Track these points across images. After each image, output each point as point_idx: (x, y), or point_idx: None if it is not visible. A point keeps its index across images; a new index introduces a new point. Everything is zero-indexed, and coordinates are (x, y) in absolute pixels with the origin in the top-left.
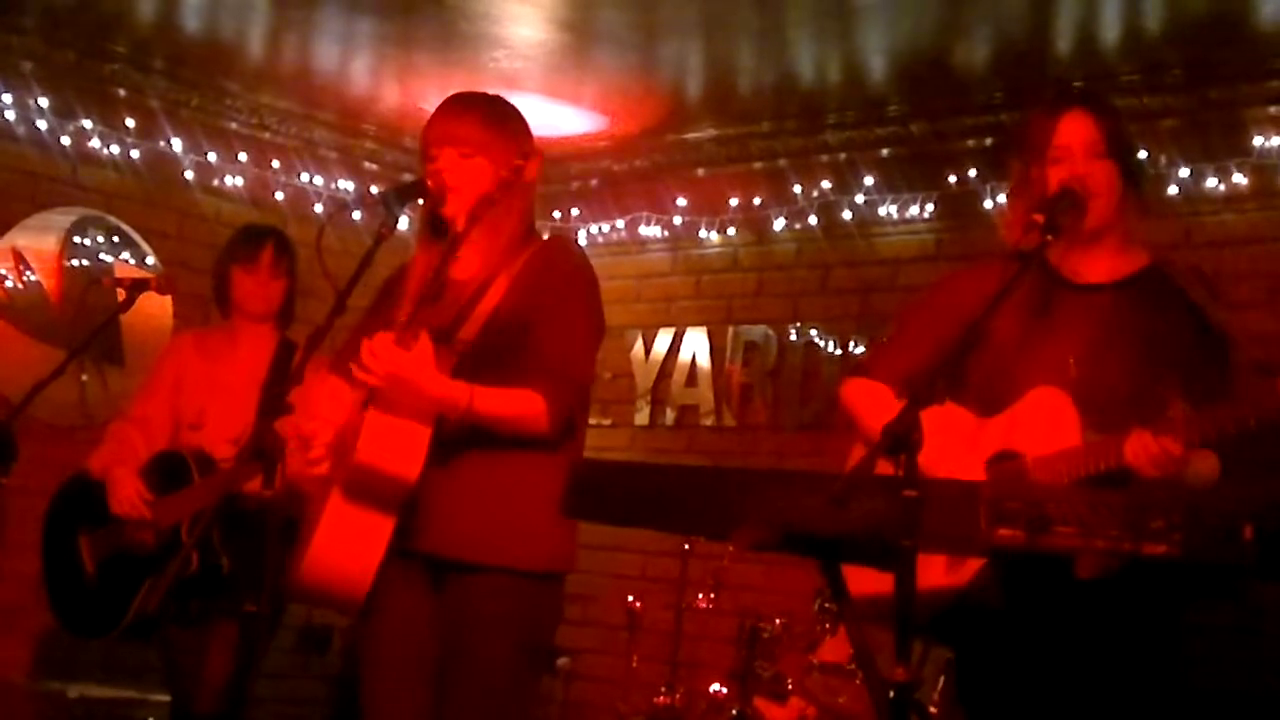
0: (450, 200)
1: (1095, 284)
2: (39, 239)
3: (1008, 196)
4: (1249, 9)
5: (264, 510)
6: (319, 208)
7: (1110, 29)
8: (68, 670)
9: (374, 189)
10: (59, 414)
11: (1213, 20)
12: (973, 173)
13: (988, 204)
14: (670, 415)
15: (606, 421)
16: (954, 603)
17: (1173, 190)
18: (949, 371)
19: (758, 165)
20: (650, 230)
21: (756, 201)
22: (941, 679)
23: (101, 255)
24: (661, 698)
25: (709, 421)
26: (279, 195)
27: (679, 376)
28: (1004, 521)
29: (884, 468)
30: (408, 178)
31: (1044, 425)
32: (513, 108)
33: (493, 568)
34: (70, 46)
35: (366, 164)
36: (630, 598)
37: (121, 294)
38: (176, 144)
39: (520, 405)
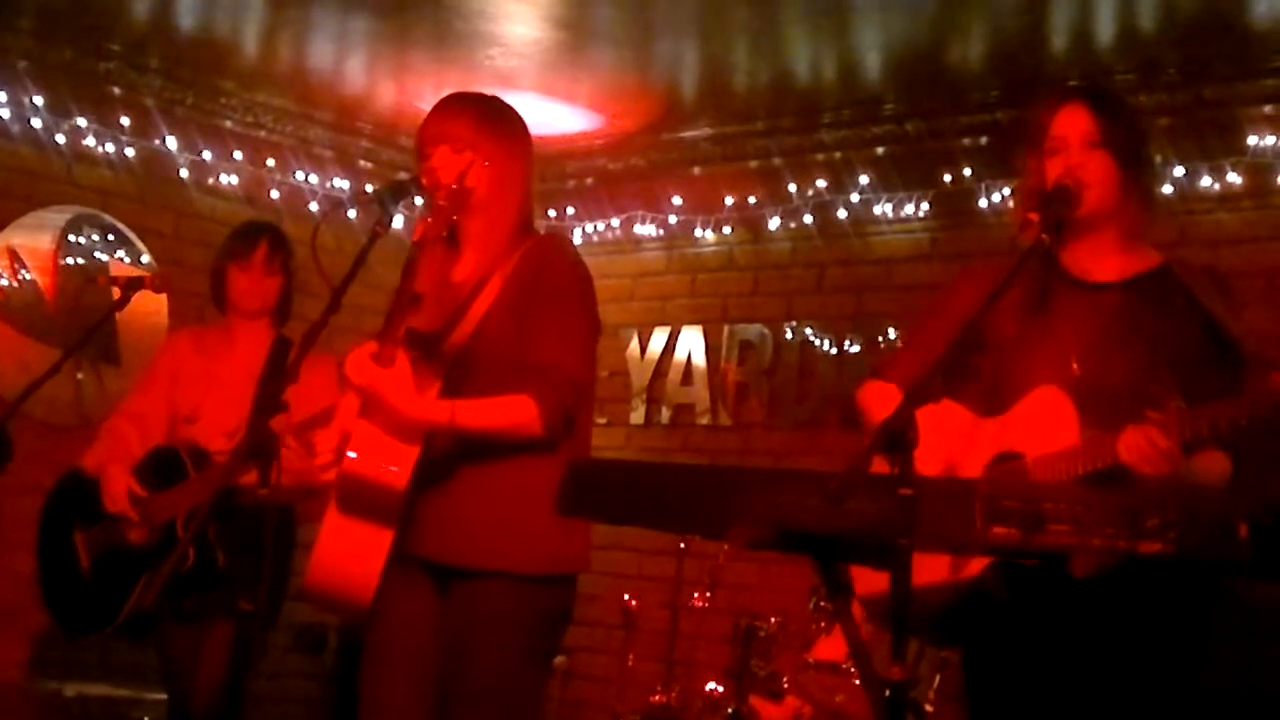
0: (439, 200)
1: (1102, 283)
2: (34, 237)
3: (1014, 191)
4: (1243, 8)
5: (260, 507)
6: (314, 206)
7: (1105, 28)
8: (64, 669)
9: (369, 187)
10: (55, 412)
11: (1207, 19)
12: (968, 171)
13: (983, 203)
14: (666, 414)
15: (602, 420)
16: (960, 598)
17: (1168, 189)
18: (944, 370)
19: (753, 164)
20: (645, 229)
21: (752, 200)
22: (938, 677)
23: (97, 254)
24: (657, 696)
25: (704, 420)
26: (274, 193)
27: (674, 375)
28: (999, 520)
29: (883, 467)
30: (402, 176)
31: (1043, 424)
32: (508, 107)
33: (495, 572)
34: (65, 45)
35: (361, 162)
36: (626, 596)
37: (117, 292)
38: (171, 142)
39: (510, 414)
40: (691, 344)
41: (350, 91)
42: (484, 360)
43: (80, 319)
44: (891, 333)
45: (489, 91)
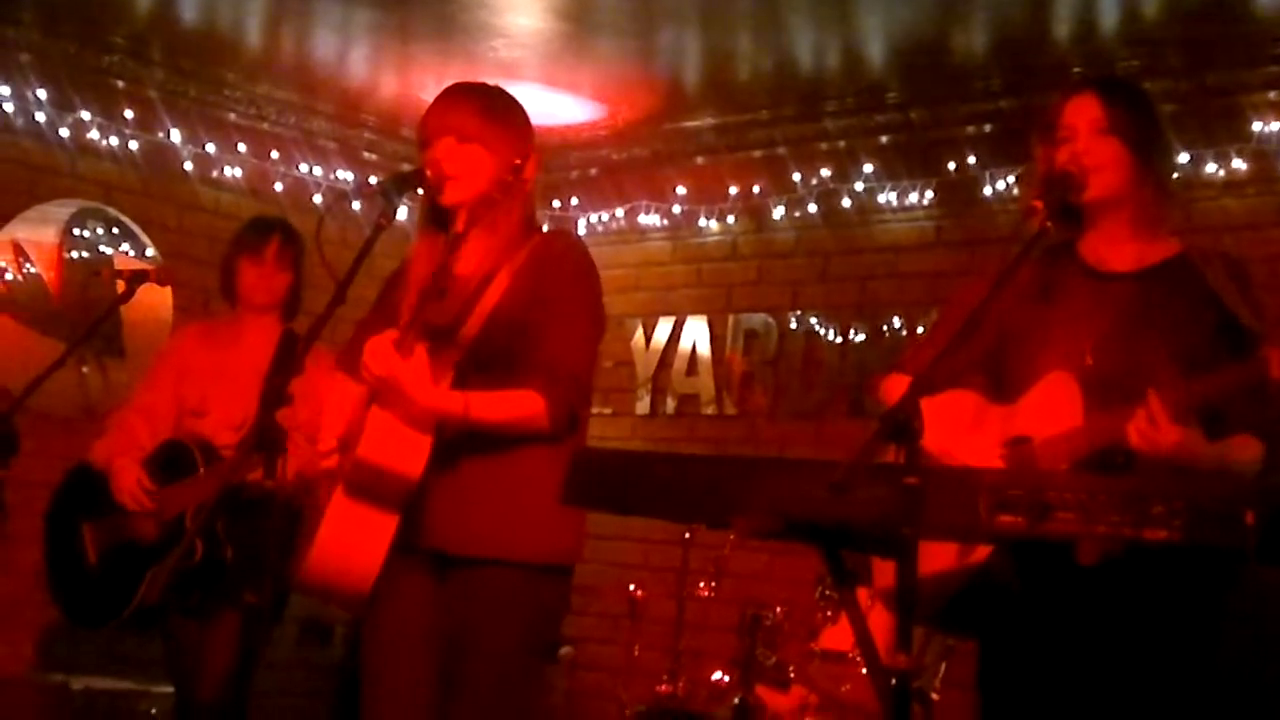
0: (448, 189)
1: (1117, 273)
2: (38, 231)
3: (1020, 179)
4: None
5: (266, 500)
6: (318, 198)
7: (1109, 14)
8: (71, 662)
9: (373, 179)
10: (60, 406)
11: (1211, 6)
12: (972, 159)
13: (987, 191)
14: (671, 404)
15: (607, 410)
16: (968, 584)
17: (1174, 176)
18: (956, 360)
19: (757, 153)
20: (650, 219)
21: (756, 189)
22: (944, 665)
23: (101, 247)
24: (663, 686)
25: (710, 410)
26: (278, 186)
27: (679, 365)
28: (1005, 508)
29: (893, 456)
30: (406, 167)
31: (1051, 408)
32: (511, 98)
33: (497, 561)
34: (68, 38)
35: (365, 154)
36: (632, 586)
37: (121, 285)
38: (175, 135)
39: (519, 407)
40: (696, 334)
41: (353, 83)
42: (492, 354)
43: (85, 312)
44: (896, 321)
45: (492, 82)
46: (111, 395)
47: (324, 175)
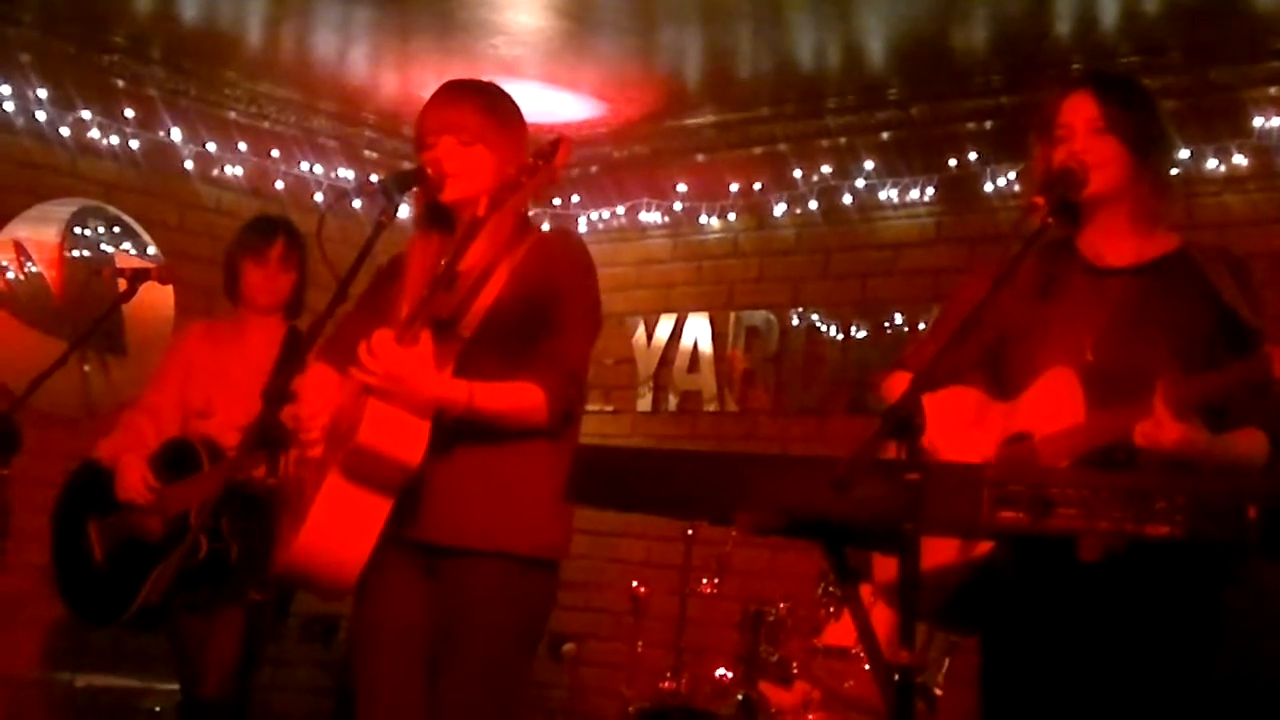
0: (449, 187)
1: (1115, 268)
2: (39, 230)
3: (1019, 177)
4: None
5: (271, 498)
6: (319, 196)
7: (1109, 10)
8: (75, 660)
9: (373, 177)
10: (61, 404)
11: (1212, 1)
12: (973, 156)
13: (988, 187)
14: (672, 401)
15: (609, 408)
16: (970, 578)
17: (1173, 172)
18: (956, 357)
19: (757, 150)
20: (650, 216)
21: (757, 187)
22: (947, 661)
23: (102, 246)
24: (666, 682)
25: (711, 407)
26: (279, 184)
27: (681, 362)
28: (1007, 504)
29: (894, 452)
30: (407, 165)
31: (1052, 405)
32: (506, 94)
33: (487, 553)
34: (68, 37)
35: (366, 152)
36: (634, 583)
37: (123, 284)
38: (176, 134)
39: (520, 400)
40: (697, 331)
41: (354, 81)
42: (492, 347)
43: (86, 311)
44: (898, 318)
45: (492, 80)
46: (113, 394)
47: (325, 173)
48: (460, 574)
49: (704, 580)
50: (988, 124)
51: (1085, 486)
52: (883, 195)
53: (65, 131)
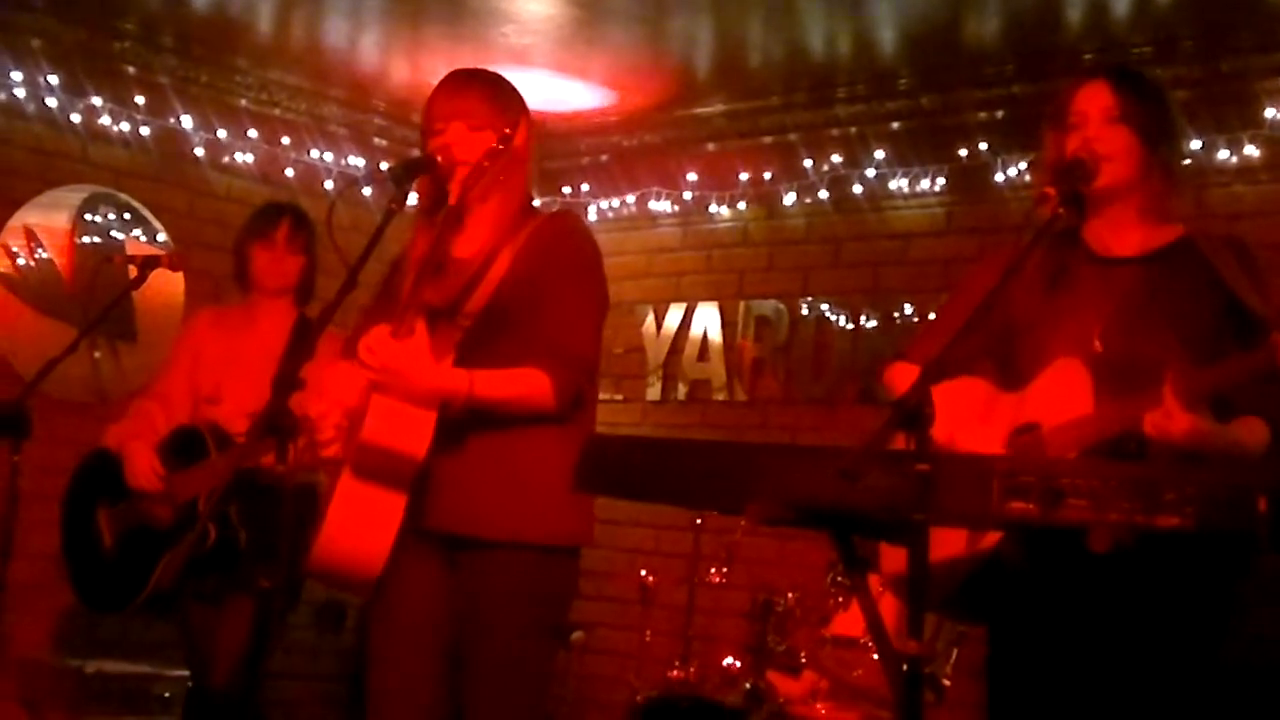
0: (459, 174)
1: (1121, 257)
2: (50, 217)
3: (1032, 166)
4: None
5: (280, 485)
6: (329, 184)
7: (1121, 0)
8: (85, 646)
9: (383, 164)
10: (72, 391)
11: None
12: (984, 145)
13: (999, 177)
14: (682, 390)
15: (618, 397)
16: (978, 569)
17: (1184, 162)
18: (965, 347)
19: (768, 139)
20: (660, 205)
21: (767, 176)
22: (955, 651)
23: (113, 232)
24: (674, 671)
25: (721, 396)
26: (289, 171)
27: (690, 351)
28: (1017, 495)
29: (904, 443)
30: (417, 153)
31: (1060, 395)
32: (511, 85)
33: (507, 543)
34: (80, 24)
35: (376, 140)
36: (643, 572)
37: (133, 271)
38: (186, 121)
39: (524, 386)
40: (707, 320)
41: (364, 69)
42: (494, 334)
43: (97, 297)
44: (908, 308)
45: (503, 68)
46: (123, 380)
47: (335, 161)
48: (478, 565)
49: (712, 569)
50: (999, 114)
51: (1095, 477)
52: (893, 185)
53: (76, 118)
